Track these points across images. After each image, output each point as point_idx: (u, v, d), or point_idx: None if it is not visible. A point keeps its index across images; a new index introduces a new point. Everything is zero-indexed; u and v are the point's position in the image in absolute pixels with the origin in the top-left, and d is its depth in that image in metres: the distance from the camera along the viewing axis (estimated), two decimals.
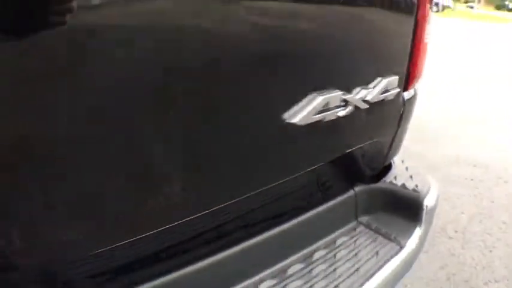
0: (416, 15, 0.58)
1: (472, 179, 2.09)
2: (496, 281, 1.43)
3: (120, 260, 0.42)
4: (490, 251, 1.60)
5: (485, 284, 1.42)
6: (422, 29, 0.60)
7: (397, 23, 0.55)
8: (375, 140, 0.59)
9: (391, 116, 0.61)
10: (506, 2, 53.75)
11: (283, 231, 0.55)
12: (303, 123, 0.42)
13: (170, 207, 0.37)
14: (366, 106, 0.50)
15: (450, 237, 1.68)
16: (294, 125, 0.42)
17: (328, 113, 0.44)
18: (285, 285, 0.48)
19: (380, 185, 0.65)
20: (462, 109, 3.44)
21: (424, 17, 0.59)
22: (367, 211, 0.64)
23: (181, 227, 0.39)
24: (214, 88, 0.36)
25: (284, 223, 0.56)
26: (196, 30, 0.34)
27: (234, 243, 0.49)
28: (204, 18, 0.34)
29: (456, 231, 1.72)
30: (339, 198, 0.61)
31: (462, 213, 1.82)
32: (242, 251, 0.48)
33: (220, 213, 0.48)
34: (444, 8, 29.62)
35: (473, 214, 1.82)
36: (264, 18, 0.38)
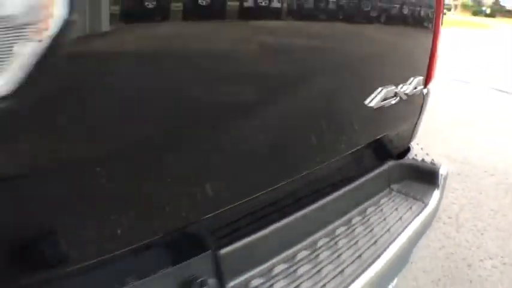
0: (434, 30, 0.80)
1: (458, 174, 2.34)
2: (490, 258, 1.66)
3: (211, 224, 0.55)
4: (482, 234, 1.83)
5: (481, 260, 1.65)
6: (437, 41, 0.82)
7: (424, 37, 0.77)
8: (405, 124, 0.81)
9: (416, 106, 0.82)
10: (484, 8, 55.65)
11: (341, 195, 0.74)
12: (375, 107, 0.62)
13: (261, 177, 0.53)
14: (405, 98, 0.71)
15: (445, 223, 1.91)
16: (370, 108, 0.62)
17: (387, 101, 0.66)
18: (352, 230, 0.68)
19: (406, 160, 0.86)
20: (451, 112, 3.74)
21: (438, 31, 0.81)
22: (397, 181, 0.85)
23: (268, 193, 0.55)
24: (324, 82, 0.56)
25: (339, 190, 0.75)
26: (314, 45, 0.54)
27: (300, 208, 0.67)
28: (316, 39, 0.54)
29: (450, 218, 1.96)
30: (377, 171, 0.82)
31: (453, 203, 2.06)
32: (305, 215, 0.66)
33: (295, 182, 0.65)
34: None
35: (463, 204, 2.06)
36: (350, 38, 0.59)
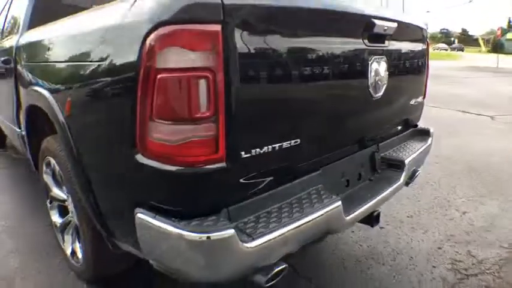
0: (426, 74, 2.32)
1: (436, 162, 3.90)
2: (462, 196, 3.16)
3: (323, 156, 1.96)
4: (454, 187, 3.34)
5: (461, 198, 3.14)
6: (427, 78, 2.35)
7: (423, 77, 2.27)
8: (417, 113, 2.31)
9: (421, 106, 2.33)
10: (452, 38, 60.54)
11: (399, 136, 2.20)
12: (412, 104, 2.11)
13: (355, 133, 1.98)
14: (418, 102, 2.21)
15: (431, 185, 3.41)
16: (411, 104, 2.11)
17: (414, 102, 2.15)
18: (403, 147, 2.13)
19: (418, 127, 2.36)
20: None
21: (428, 73, 2.34)
22: (415, 134, 2.34)
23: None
24: (394, 97, 2.01)
25: (398, 134, 2.20)
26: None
27: (383, 140, 2.09)
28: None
29: (434, 182, 3.46)
30: (408, 130, 2.30)
31: (435, 175, 3.59)
32: (385, 145, 2.07)
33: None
34: None
35: (440, 176, 3.59)
36: (404, 78, 2.07)
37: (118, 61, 1.15)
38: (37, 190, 3.28)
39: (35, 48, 2.05)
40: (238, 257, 1.09)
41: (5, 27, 3.51)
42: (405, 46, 1.93)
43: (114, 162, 1.29)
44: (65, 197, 2.01)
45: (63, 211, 2.13)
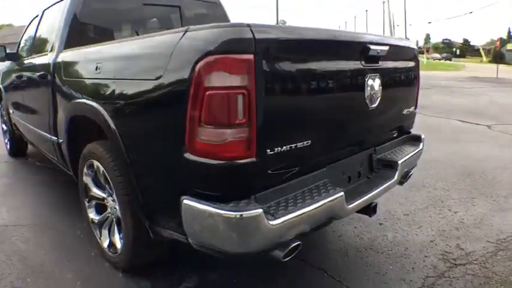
0: (417, 85, 2.69)
1: (433, 168, 4.26)
2: (455, 197, 3.51)
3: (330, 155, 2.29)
4: (448, 190, 3.69)
5: (454, 199, 3.49)
6: (418, 90, 2.72)
7: (415, 89, 2.64)
8: (410, 121, 2.67)
9: (413, 115, 2.69)
10: (454, 49, 61.29)
11: (394, 142, 2.55)
12: (405, 113, 2.48)
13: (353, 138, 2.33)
14: (410, 111, 2.57)
15: (427, 188, 3.75)
16: (404, 113, 2.48)
17: (407, 111, 2.51)
18: (398, 150, 2.48)
19: (411, 133, 2.72)
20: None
21: (419, 85, 2.71)
22: (408, 140, 2.69)
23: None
24: (388, 106, 2.37)
25: (392, 140, 2.56)
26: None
27: (379, 144, 2.44)
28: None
29: (430, 185, 3.81)
30: (403, 136, 2.65)
31: (431, 179, 3.94)
32: (381, 148, 2.41)
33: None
34: None
35: (436, 179, 3.95)
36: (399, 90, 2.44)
37: (171, 80, 1.51)
38: (65, 194, 3.64)
39: (81, 66, 2.42)
40: (264, 232, 1.44)
41: (33, 46, 3.89)
42: (396, 64, 2.30)
43: (163, 160, 1.64)
44: (104, 195, 2.36)
45: (100, 209, 2.46)
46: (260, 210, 1.40)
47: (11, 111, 4.64)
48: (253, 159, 1.41)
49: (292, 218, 1.49)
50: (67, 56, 2.71)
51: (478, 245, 2.66)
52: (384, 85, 2.05)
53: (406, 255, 2.51)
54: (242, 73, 1.33)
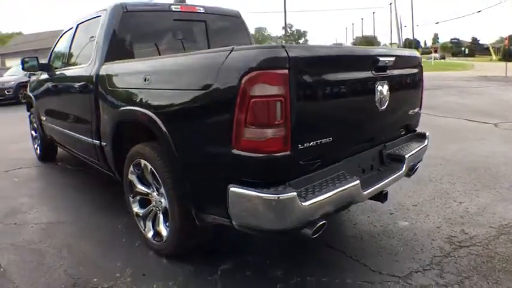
0: (422, 87, 3.07)
1: (440, 164, 4.62)
2: (460, 189, 3.88)
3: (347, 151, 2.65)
4: (454, 183, 4.06)
5: (459, 191, 3.87)
6: (422, 91, 3.10)
7: (419, 91, 3.02)
8: (415, 120, 3.05)
9: (418, 115, 3.07)
10: (463, 48, 61.31)
11: (402, 139, 2.93)
12: (411, 113, 2.86)
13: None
14: (415, 112, 2.96)
15: (434, 182, 4.12)
16: (410, 113, 2.86)
17: (413, 112, 2.89)
18: (405, 146, 2.85)
19: (416, 132, 3.10)
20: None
21: (423, 81, 3.09)
22: (414, 137, 3.07)
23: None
24: (395, 108, 2.76)
25: (402, 137, 2.94)
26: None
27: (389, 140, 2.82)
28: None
29: (437, 179, 4.18)
30: (409, 134, 3.03)
31: (438, 174, 4.31)
32: (390, 144, 2.77)
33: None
34: None
35: (443, 174, 4.31)
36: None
37: (220, 90, 1.87)
38: (99, 195, 4.06)
39: (128, 78, 2.82)
40: (297, 211, 1.83)
41: (69, 58, 4.31)
42: (402, 71, 2.68)
43: (211, 156, 2.03)
44: (148, 191, 2.76)
45: (144, 203, 2.86)
46: (294, 193, 1.79)
47: (43, 118, 5.07)
48: (288, 152, 1.80)
49: (319, 200, 1.88)
50: (110, 68, 3.11)
51: (481, 230, 3.01)
52: (391, 90, 2.44)
53: (415, 239, 2.88)
54: (279, 84, 1.73)
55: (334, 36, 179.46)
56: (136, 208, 2.91)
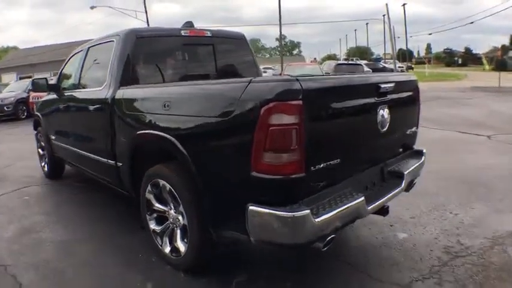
0: (418, 101, 3.34)
1: (436, 177, 4.87)
2: (456, 202, 4.13)
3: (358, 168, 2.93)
4: (449, 196, 4.31)
5: (454, 204, 4.11)
6: (419, 110, 3.37)
7: (416, 106, 3.28)
8: (412, 138, 3.31)
9: (415, 134, 3.33)
10: (456, 58, 62.23)
11: (400, 156, 3.19)
12: (408, 133, 3.12)
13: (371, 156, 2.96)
14: (413, 131, 3.22)
15: (430, 195, 4.37)
16: (407, 133, 3.13)
17: (410, 131, 3.16)
18: (404, 163, 3.11)
19: (413, 149, 3.36)
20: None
21: (419, 101, 3.36)
22: (412, 155, 3.32)
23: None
24: (393, 130, 3.02)
25: (399, 155, 3.20)
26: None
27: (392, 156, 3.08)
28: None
29: (433, 192, 4.43)
30: (408, 151, 3.28)
31: (433, 187, 4.56)
32: (392, 161, 3.02)
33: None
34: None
35: (438, 187, 4.56)
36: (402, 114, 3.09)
37: (240, 117, 2.09)
38: (109, 211, 4.25)
39: (147, 102, 3.05)
40: (310, 227, 2.06)
41: (80, 80, 4.52)
42: (401, 95, 2.96)
43: (231, 177, 2.27)
44: (165, 208, 2.97)
45: (161, 220, 3.05)
46: (308, 211, 2.03)
47: (52, 137, 5.27)
48: (303, 174, 2.05)
49: (329, 216, 2.12)
50: (128, 93, 3.32)
51: (476, 240, 3.24)
52: (391, 113, 2.70)
53: (414, 250, 3.12)
54: (295, 114, 1.96)
55: (328, 47, 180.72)
56: (153, 225, 3.10)
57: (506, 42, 55.65)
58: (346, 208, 2.21)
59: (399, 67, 38.63)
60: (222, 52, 4.24)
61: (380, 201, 2.54)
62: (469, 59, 60.26)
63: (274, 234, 2.11)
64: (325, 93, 2.19)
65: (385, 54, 58.32)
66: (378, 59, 56.24)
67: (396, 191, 2.74)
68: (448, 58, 64.85)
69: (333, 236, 2.21)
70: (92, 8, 29.84)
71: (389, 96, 2.70)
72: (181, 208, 2.72)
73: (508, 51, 35.64)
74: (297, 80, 2.00)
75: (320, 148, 2.15)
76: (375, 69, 29.44)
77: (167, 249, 2.96)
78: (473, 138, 7.48)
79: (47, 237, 3.65)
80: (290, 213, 2.01)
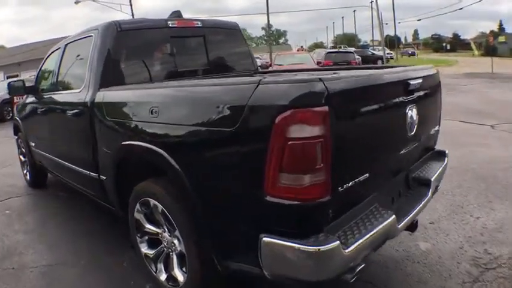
0: (440, 96, 2.96)
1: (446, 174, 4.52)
2: (474, 202, 3.77)
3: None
4: (466, 195, 3.96)
5: (473, 205, 3.76)
6: (440, 110, 3.00)
7: (439, 102, 2.91)
8: (434, 139, 2.95)
9: (437, 134, 2.97)
10: (444, 44, 62.23)
11: (423, 159, 2.82)
12: (432, 133, 2.76)
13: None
14: (435, 130, 2.86)
15: (446, 195, 4.01)
16: (431, 133, 2.76)
17: (433, 131, 2.79)
18: (428, 165, 2.75)
19: (435, 150, 3.00)
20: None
21: (441, 106, 2.99)
22: (434, 156, 2.96)
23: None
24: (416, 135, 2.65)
25: (422, 158, 2.83)
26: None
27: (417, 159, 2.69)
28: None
29: (448, 192, 4.07)
30: (429, 153, 2.92)
31: (447, 186, 4.20)
32: (419, 164, 2.60)
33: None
34: (388, 59, 34.83)
35: (452, 186, 4.21)
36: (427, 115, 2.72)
37: (248, 130, 1.66)
38: (96, 227, 3.82)
39: (131, 108, 2.56)
40: (339, 260, 1.69)
41: (58, 81, 4.04)
42: (426, 91, 2.57)
43: (238, 202, 1.83)
44: (158, 230, 2.53)
45: (154, 243, 2.60)
46: (337, 242, 1.64)
47: (32, 143, 4.81)
48: (329, 197, 1.65)
49: (360, 243, 1.74)
50: (108, 95, 2.83)
51: (504, 249, 2.93)
52: (418, 113, 2.32)
53: (441, 263, 2.77)
54: (319, 124, 1.54)
55: (315, 36, 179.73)
56: (144, 249, 2.66)
57: (494, 27, 55.77)
58: (377, 231, 1.84)
59: (388, 53, 38.30)
60: (214, 43, 3.78)
61: (410, 216, 2.19)
62: (458, 44, 60.34)
63: (296, 270, 1.74)
64: (354, 95, 1.80)
65: (372, 41, 58.02)
66: (365, 46, 55.92)
67: (424, 202, 2.39)
68: (436, 44, 64.84)
69: (363, 265, 1.82)
70: (76, 2, 28.93)
71: (416, 94, 2.31)
72: (176, 233, 2.30)
73: (498, 36, 35.57)
74: (320, 79, 1.58)
75: (349, 164, 1.77)
76: (364, 57, 29.16)
77: (163, 277, 2.52)
78: (477, 128, 7.18)
79: (29, 261, 3.24)
80: (315, 248, 1.63)
